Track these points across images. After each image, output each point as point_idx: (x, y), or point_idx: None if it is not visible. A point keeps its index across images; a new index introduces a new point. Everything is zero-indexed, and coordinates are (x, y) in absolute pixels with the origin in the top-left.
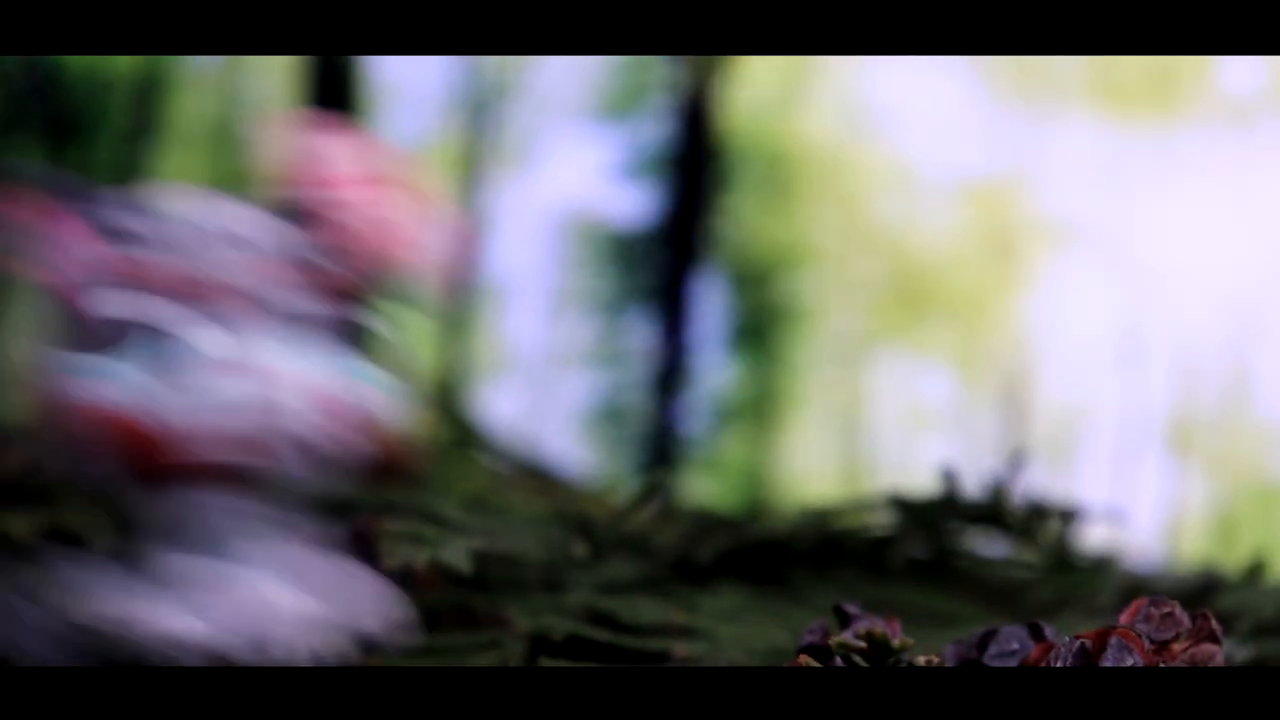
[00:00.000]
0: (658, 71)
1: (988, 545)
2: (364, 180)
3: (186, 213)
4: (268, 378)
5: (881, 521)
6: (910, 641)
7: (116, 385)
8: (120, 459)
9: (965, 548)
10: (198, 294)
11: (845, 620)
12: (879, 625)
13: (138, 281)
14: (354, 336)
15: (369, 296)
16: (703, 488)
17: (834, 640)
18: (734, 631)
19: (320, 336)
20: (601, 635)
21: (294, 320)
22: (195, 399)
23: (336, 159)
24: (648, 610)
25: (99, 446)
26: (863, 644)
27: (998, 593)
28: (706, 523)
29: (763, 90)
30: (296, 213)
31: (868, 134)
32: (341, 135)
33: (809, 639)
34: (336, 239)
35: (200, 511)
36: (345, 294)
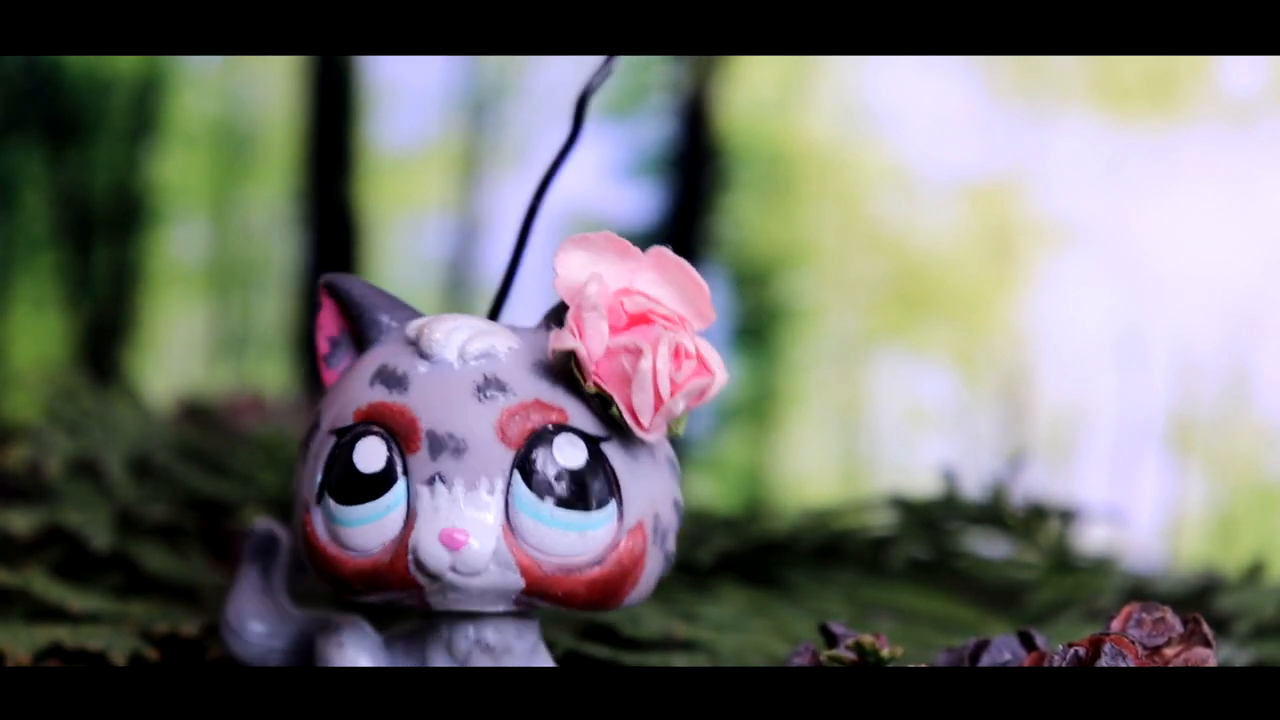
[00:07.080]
0: (658, 71)
1: (988, 546)
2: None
3: (451, 349)
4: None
5: (881, 522)
6: (899, 651)
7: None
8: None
9: (965, 548)
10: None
11: (831, 640)
12: (867, 638)
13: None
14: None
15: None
16: (703, 488)
17: (824, 655)
18: (733, 643)
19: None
20: (600, 653)
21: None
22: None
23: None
24: (648, 621)
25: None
26: (853, 656)
27: (998, 594)
28: (707, 524)
29: (763, 90)
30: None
31: (868, 134)
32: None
33: (797, 662)
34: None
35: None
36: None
